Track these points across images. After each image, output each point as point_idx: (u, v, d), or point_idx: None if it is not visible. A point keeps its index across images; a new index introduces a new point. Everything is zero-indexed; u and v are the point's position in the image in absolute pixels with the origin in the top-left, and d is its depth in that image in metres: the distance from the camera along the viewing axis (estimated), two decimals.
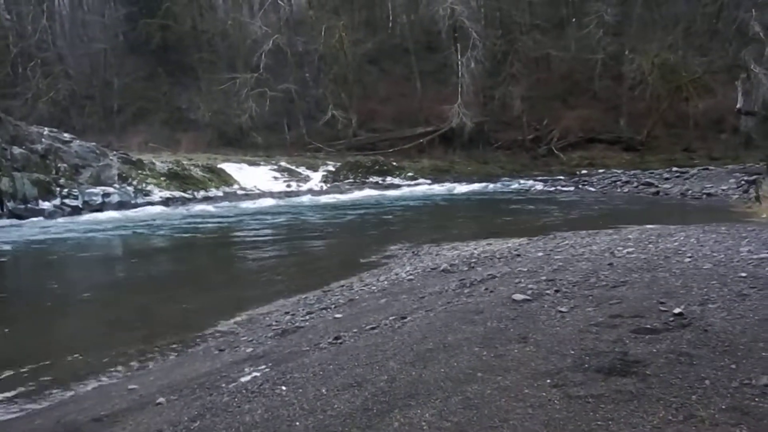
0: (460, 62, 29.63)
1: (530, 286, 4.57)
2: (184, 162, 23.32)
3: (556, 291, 4.31)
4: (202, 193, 21.45)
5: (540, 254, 6.37)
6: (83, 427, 3.34)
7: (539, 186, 22.57)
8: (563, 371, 2.77)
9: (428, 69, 32.64)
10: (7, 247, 12.32)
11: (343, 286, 7.01)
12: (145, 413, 3.42)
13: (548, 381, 2.68)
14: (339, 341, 4.10)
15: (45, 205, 17.49)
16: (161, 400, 3.57)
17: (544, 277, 4.83)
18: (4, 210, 16.63)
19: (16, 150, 17.82)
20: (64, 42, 33.91)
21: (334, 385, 3.06)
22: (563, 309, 3.82)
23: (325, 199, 21.52)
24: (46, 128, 19.99)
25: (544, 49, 31.07)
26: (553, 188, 21.80)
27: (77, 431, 3.31)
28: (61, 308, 7.60)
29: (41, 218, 16.61)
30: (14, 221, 16.04)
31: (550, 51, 31.18)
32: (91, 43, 33.73)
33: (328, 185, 24.97)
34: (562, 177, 24.77)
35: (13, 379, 4.65)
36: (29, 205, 17.21)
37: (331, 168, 26.79)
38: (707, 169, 22.05)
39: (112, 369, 4.84)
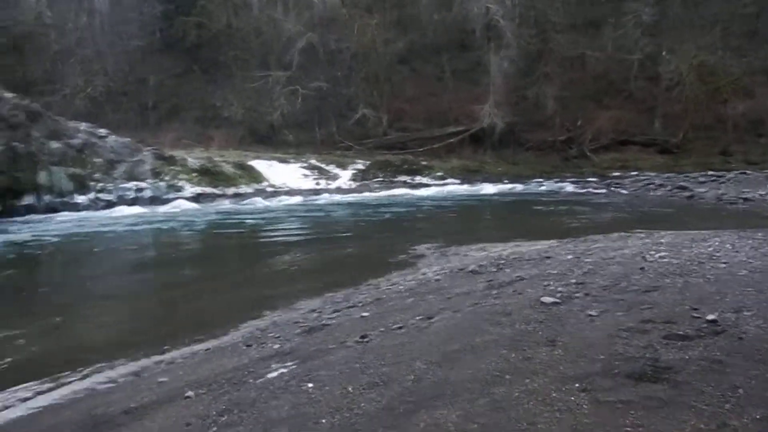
0: (492, 61, 29.45)
1: (559, 289, 4.52)
2: (216, 158, 23.61)
3: (586, 294, 4.25)
4: (232, 190, 21.67)
5: (570, 257, 6.29)
6: (114, 419, 3.40)
7: (570, 188, 22.32)
8: (592, 376, 2.73)
9: (460, 68, 32.52)
10: (45, 240, 12.62)
11: (370, 284, 7.02)
12: (174, 406, 3.47)
13: (576, 385, 2.64)
14: (365, 340, 4.11)
15: (80, 198, 17.86)
16: (190, 393, 3.62)
17: (573, 280, 4.77)
18: (41, 203, 17.03)
19: (54, 144, 18.24)
20: (102, 39, 34.59)
21: (360, 384, 3.07)
22: (593, 313, 3.76)
23: (353, 197, 21.58)
24: (83, 123, 20.41)
25: (579, 49, 30.70)
26: (584, 190, 21.53)
27: (108, 423, 3.36)
28: (92, 302, 7.75)
29: (76, 212, 16.97)
30: (50, 215, 16.41)
31: (585, 51, 30.79)
32: (128, 40, 34.34)
33: (357, 184, 25.02)
34: (593, 179, 24.45)
35: (45, 372, 4.75)
36: (65, 199, 17.59)
37: (360, 166, 26.85)
38: (744, 173, 21.54)
39: (142, 362, 4.90)
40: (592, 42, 31.21)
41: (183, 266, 10.37)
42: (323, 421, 2.60)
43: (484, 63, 31.05)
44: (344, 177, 25.91)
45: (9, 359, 5.03)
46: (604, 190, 21.03)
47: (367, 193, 22.65)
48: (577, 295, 4.27)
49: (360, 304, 5.72)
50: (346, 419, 2.57)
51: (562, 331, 3.45)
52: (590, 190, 21.45)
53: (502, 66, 29.14)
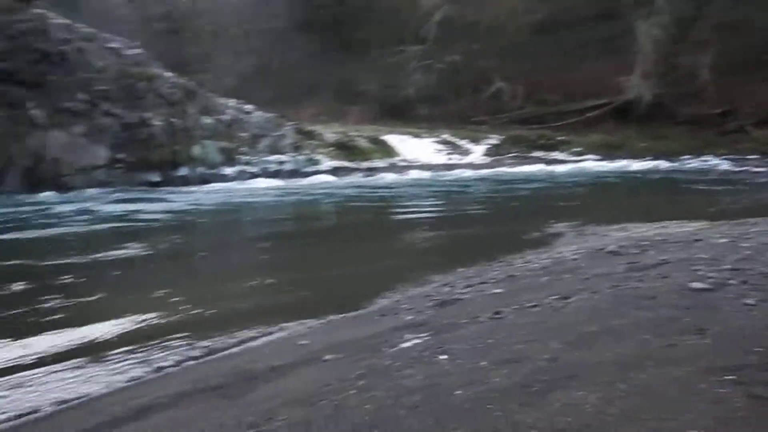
0: (641, 29, 27.54)
1: (710, 274, 4.20)
2: (351, 133, 24.28)
3: (743, 282, 3.91)
4: (366, 164, 22.23)
5: (723, 241, 5.82)
6: (261, 375, 3.67)
7: (725, 165, 20.55)
8: (747, 368, 2.53)
9: (604, 37, 30.72)
10: (200, 209, 13.72)
11: (502, 262, 6.93)
12: (314, 367, 3.68)
13: (728, 377, 2.46)
14: (498, 316, 4.09)
15: (228, 170, 19.16)
16: (328, 357, 3.82)
17: (727, 266, 4.41)
18: (194, 174, 18.47)
19: (207, 120, 19.68)
20: (249, 19, 36.60)
21: (493, 359, 3.07)
22: (750, 302, 3.47)
23: (486, 172, 21.33)
24: (231, 100, 21.80)
25: (739, 13, 27.83)
26: (741, 168, 19.71)
27: (255, 378, 3.63)
28: (241, 269, 8.34)
29: (224, 183, 18.23)
30: (201, 186, 17.73)
31: (746, 14, 27.86)
32: (273, 20, 36.07)
33: (491, 159, 24.69)
34: (753, 156, 22.27)
35: (199, 329, 5.19)
36: (214, 171, 18.95)
37: (494, 141, 26.43)
38: None
39: (284, 327, 5.18)
40: (755, 4, 28.12)
41: (321, 238, 10.85)
42: (457, 392, 2.64)
43: (631, 31, 29.10)
44: (477, 152, 25.64)
45: (172, 317, 5.55)
46: (765, 169, 19.10)
47: (500, 169, 22.29)
48: (731, 281, 3.95)
49: (492, 281, 5.67)
50: (480, 393, 2.59)
51: (713, 320, 3.22)
52: (749, 168, 19.58)
53: (652, 33, 27.13)
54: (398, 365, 3.29)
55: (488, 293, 5.11)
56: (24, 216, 12.23)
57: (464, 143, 26.40)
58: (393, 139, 25.07)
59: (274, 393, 3.28)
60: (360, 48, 34.38)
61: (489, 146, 25.99)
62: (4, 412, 3.70)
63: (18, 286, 6.69)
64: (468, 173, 21.31)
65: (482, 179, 19.68)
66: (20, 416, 3.66)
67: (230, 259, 9.00)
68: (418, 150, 24.82)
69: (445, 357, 3.26)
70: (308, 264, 8.30)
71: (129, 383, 4.12)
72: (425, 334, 3.99)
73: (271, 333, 5.05)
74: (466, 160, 24.55)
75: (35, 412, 3.71)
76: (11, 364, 4.46)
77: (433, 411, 2.47)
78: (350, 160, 22.06)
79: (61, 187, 16.02)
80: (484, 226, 11.49)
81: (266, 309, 5.89)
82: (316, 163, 21.15)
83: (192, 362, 4.50)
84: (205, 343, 4.87)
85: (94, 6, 30.31)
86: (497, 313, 4.14)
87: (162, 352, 4.69)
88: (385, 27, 34.24)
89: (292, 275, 7.65)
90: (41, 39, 18.09)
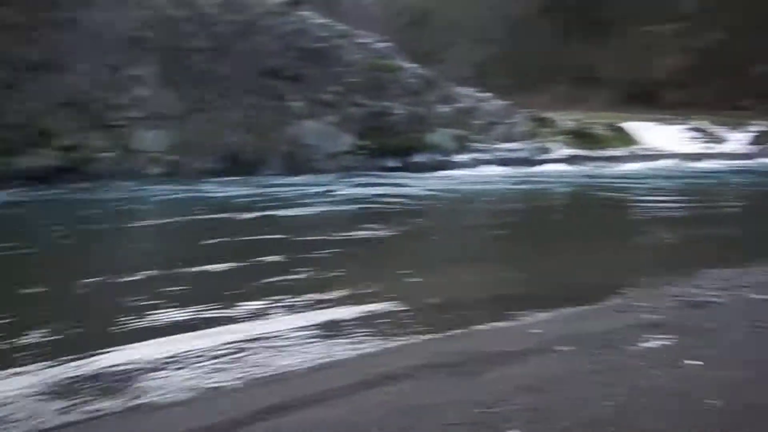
0: None
1: None
2: (588, 120, 23.15)
3: None
4: (603, 152, 21.04)
5: None
6: (492, 359, 3.72)
7: None
8: None
9: None
10: (437, 194, 14.15)
11: None
12: (545, 356, 3.64)
13: None
14: (763, 325, 3.63)
15: (460, 157, 19.48)
16: (560, 348, 3.74)
17: None
18: (429, 161, 19.12)
19: (443, 108, 20.27)
20: (489, 6, 36.84)
21: (754, 372, 2.74)
22: None
23: (745, 163, 18.93)
24: (467, 88, 22.10)
25: None
26: None
27: (487, 361, 3.69)
28: (470, 254, 8.41)
29: (455, 170, 18.52)
30: (434, 172, 18.20)
31: None
32: (513, 6, 35.88)
33: (754, 148, 21.78)
34: None
35: (428, 311, 5.38)
36: (447, 158, 19.41)
37: (760, 128, 23.24)
38: None
39: (513, 314, 5.16)
40: None
41: (554, 229, 10.56)
42: (713, 402, 2.41)
43: None
44: (735, 141, 22.81)
45: (405, 295, 5.83)
46: None
47: (763, 160, 19.64)
48: None
49: (753, 285, 5.04)
50: (744, 408, 2.34)
51: None
52: None
53: None
54: (639, 365, 3.12)
55: (748, 298, 4.57)
56: (282, 196, 13.81)
57: (720, 131, 23.56)
58: (634, 126, 23.29)
59: (505, 377, 3.32)
60: (603, 30, 32.47)
61: (752, 134, 22.87)
62: (264, 370, 4.23)
63: (275, 258, 7.55)
64: (721, 164, 19.04)
65: (739, 171, 17.45)
66: (277, 373, 4.16)
67: (463, 245, 9.17)
68: (662, 138, 22.75)
69: (696, 363, 3.00)
70: (540, 254, 8.13)
71: (370, 351, 4.46)
72: (669, 336, 3.72)
73: (501, 320, 5.07)
74: (720, 149, 21.90)
75: (290, 370, 4.19)
76: (267, 329, 5.06)
77: (684, 418, 2.29)
78: (586, 148, 21.02)
79: (313, 171, 17.73)
80: (741, 223, 10.19)
81: (497, 296, 5.91)
82: (549, 151, 20.55)
83: (426, 339, 4.71)
84: (437, 322, 5.06)
85: (348, 4, 32.97)
86: (762, 321, 3.69)
87: (397, 326, 4.99)
88: (634, 6, 31.78)
89: (523, 264, 7.58)
90: (303, 38, 20.17)
